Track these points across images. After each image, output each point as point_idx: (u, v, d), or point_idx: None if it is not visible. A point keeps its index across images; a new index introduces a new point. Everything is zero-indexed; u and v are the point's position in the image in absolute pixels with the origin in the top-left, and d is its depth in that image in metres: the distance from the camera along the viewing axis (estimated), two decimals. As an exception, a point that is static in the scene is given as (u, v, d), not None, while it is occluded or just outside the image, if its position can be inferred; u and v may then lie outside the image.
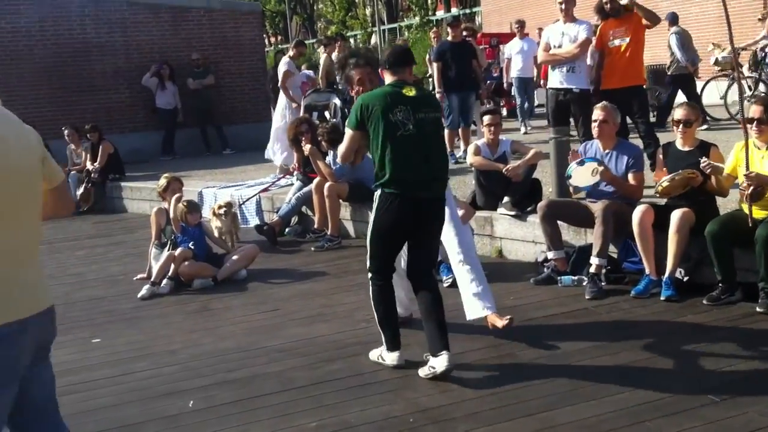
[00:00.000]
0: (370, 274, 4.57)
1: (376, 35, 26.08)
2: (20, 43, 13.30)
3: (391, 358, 4.49)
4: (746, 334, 4.68)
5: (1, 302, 2.41)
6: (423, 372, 4.28)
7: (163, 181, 7.17)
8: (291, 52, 12.78)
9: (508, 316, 4.76)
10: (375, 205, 4.40)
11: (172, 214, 6.78)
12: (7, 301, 2.42)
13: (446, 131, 10.53)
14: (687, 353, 4.46)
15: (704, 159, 5.32)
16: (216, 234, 7.55)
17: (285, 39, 39.26)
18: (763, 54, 11.54)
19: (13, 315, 2.44)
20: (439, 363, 4.21)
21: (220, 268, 6.73)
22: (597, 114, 5.96)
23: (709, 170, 5.30)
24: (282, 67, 12.31)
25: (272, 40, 46.66)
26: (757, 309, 4.96)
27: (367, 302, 5.79)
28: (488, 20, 24.98)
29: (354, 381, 4.33)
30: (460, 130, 10.28)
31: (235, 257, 6.85)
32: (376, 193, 4.39)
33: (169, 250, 6.70)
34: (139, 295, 6.40)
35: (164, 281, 6.53)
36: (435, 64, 10.47)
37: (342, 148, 4.57)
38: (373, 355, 4.63)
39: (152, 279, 6.56)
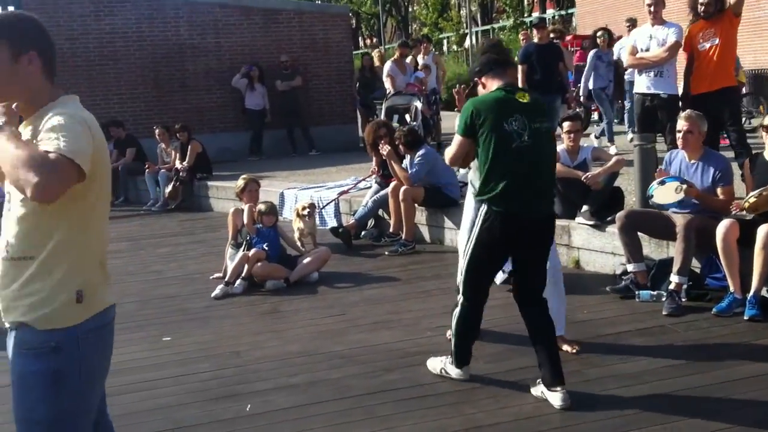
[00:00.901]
0: (460, 296, 4.23)
1: (468, 37, 25.90)
2: (117, 43, 13.79)
3: (457, 372, 4.34)
4: (836, 360, 4.38)
5: (106, 285, 2.51)
6: (535, 391, 4.10)
7: (240, 182, 7.26)
8: (395, 54, 12.79)
9: (576, 347, 4.69)
10: (479, 221, 4.02)
11: (246, 219, 6.86)
12: (108, 285, 2.53)
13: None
14: (766, 378, 4.18)
15: None
16: (297, 235, 7.61)
17: (380, 41, 39.45)
18: None
19: (113, 298, 2.56)
20: (554, 399, 3.97)
21: (293, 270, 6.76)
22: (681, 124, 5.67)
23: None
24: (385, 70, 12.34)
25: (367, 42, 46.99)
26: None
27: (434, 310, 5.76)
28: (582, 22, 24.42)
29: (411, 392, 4.26)
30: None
31: (307, 260, 6.88)
32: (481, 208, 4.02)
33: (244, 251, 6.78)
34: (213, 295, 6.50)
35: (238, 281, 6.61)
36: (520, 67, 10.23)
37: (450, 151, 4.17)
38: (434, 366, 4.47)
39: (226, 279, 6.65)
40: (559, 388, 3.96)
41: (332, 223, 8.83)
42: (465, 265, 4.14)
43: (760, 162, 5.42)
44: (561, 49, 10.55)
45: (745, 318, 5.03)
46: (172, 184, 11.49)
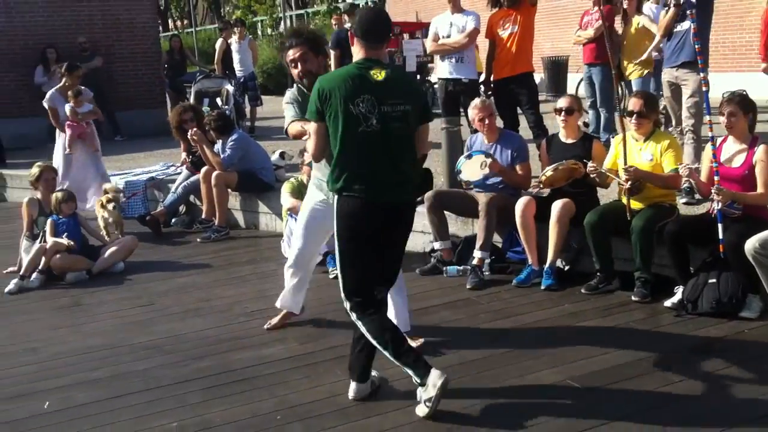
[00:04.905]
0: (350, 309, 3.68)
1: (282, 21, 25.71)
2: None
3: (433, 379, 3.53)
4: (621, 322, 4.72)
5: None
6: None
7: (35, 170, 6.79)
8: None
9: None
10: (335, 216, 3.63)
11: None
12: None
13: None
14: (559, 340, 4.47)
15: (591, 164, 5.30)
16: (102, 224, 7.22)
17: (190, 23, 38.22)
18: None
19: None
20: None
21: (96, 261, 6.40)
22: (474, 113, 5.95)
23: (594, 175, 5.29)
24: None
25: (178, 24, 45.44)
26: (633, 298, 5.03)
27: (248, 295, 5.67)
28: (394, 9, 24.91)
29: (222, 378, 4.15)
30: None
31: (112, 249, 6.53)
32: (335, 201, 3.65)
33: (41, 242, 6.33)
34: (6, 290, 6.03)
35: (34, 275, 6.16)
36: (333, 52, 10.29)
37: (310, 145, 3.73)
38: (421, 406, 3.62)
39: (21, 272, 6.18)
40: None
41: (140, 211, 8.43)
42: (339, 270, 3.68)
43: (555, 142, 5.77)
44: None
45: (542, 288, 5.35)
46: (-40, 173, 10.52)
